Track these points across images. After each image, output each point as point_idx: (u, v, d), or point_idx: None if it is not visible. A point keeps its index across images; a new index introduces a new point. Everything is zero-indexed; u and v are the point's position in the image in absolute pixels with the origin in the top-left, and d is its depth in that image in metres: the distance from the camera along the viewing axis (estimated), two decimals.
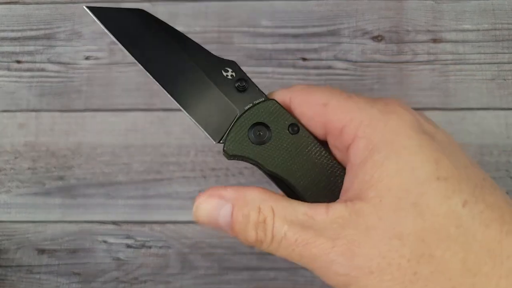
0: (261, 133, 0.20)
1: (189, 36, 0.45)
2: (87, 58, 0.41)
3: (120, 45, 0.22)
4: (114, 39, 0.22)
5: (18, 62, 0.41)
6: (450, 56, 0.40)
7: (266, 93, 0.21)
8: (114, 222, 0.37)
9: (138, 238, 0.37)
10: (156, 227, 0.37)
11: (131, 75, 0.40)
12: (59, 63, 0.41)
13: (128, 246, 0.37)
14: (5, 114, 0.40)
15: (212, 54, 0.23)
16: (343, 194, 0.18)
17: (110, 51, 0.41)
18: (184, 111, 0.22)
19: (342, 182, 0.19)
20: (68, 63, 0.40)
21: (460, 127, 0.38)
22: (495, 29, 0.40)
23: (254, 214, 0.17)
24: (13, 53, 0.41)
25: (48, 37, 0.41)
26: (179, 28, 0.44)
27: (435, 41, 0.40)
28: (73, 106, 0.40)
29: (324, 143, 0.20)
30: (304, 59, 0.40)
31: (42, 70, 0.40)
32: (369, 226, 0.16)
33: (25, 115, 0.40)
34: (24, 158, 0.39)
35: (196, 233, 0.37)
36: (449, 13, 0.41)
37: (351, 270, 0.16)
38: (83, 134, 0.39)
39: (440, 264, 0.15)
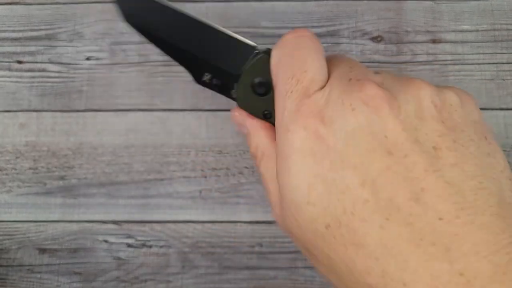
0: (262, 87, 0.23)
1: None
2: (88, 58, 0.41)
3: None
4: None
5: (19, 62, 0.41)
6: (449, 57, 0.40)
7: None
8: (115, 222, 0.37)
9: (139, 238, 0.37)
10: (157, 227, 0.37)
11: (132, 76, 0.40)
12: (60, 63, 0.41)
13: (129, 245, 0.37)
14: (6, 114, 0.40)
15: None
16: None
17: (111, 52, 0.41)
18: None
19: None
20: (69, 64, 0.41)
21: None
22: (494, 30, 0.40)
23: (253, 147, 0.23)
24: (14, 53, 0.41)
25: (49, 37, 0.41)
26: None
27: (434, 41, 0.40)
28: (74, 106, 0.40)
29: None
30: None
31: (43, 70, 0.41)
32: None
33: (26, 115, 0.40)
34: (25, 158, 0.39)
35: (196, 233, 0.37)
36: (448, 13, 0.41)
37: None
38: (84, 134, 0.39)
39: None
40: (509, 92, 0.39)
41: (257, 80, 0.22)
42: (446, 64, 0.40)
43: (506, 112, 0.39)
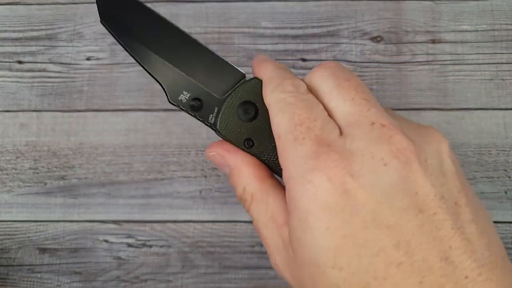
0: (250, 111, 0.21)
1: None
2: (88, 58, 0.41)
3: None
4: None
5: (20, 62, 0.41)
6: (448, 57, 0.40)
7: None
8: (115, 222, 0.37)
9: (139, 238, 0.37)
10: (157, 227, 0.37)
11: (132, 76, 0.40)
12: (61, 63, 0.41)
13: (129, 245, 0.37)
14: (6, 114, 0.40)
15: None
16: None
17: (111, 52, 0.41)
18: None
19: None
20: (70, 64, 0.41)
21: (459, 127, 0.38)
22: (494, 30, 0.41)
23: (240, 190, 0.21)
24: (14, 53, 0.41)
25: (49, 37, 0.41)
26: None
27: (433, 41, 0.40)
28: (75, 106, 0.40)
29: None
30: (303, 60, 0.40)
31: (44, 70, 0.41)
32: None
33: (26, 115, 0.40)
34: (25, 158, 0.39)
35: (196, 232, 0.37)
36: (447, 13, 0.41)
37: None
38: (84, 134, 0.39)
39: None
40: (509, 92, 0.39)
41: (244, 104, 0.21)
42: (445, 64, 0.40)
43: (506, 112, 0.39)
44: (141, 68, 0.43)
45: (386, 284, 0.16)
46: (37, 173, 0.38)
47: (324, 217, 0.17)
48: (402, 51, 0.40)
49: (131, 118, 0.39)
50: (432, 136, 0.19)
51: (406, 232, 0.16)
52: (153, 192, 0.38)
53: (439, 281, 0.15)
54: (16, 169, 0.39)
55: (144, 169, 0.38)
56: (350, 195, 0.17)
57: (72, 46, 0.41)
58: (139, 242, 0.37)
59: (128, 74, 0.40)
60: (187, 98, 0.22)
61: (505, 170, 0.38)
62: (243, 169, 0.20)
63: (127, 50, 0.22)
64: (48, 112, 0.40)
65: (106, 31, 0.42)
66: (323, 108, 0.20)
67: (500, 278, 0.16)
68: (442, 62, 0.40)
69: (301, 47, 0.40)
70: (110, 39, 0.41)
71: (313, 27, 0.41)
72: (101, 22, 0.21)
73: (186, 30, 0.42)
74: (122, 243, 0.37)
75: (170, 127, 0.39)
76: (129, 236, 0.37)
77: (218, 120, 0.21)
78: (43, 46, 0.41)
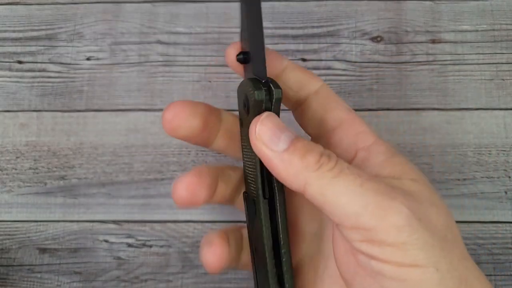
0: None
1: (190, 36, 0.46)
2: (88, 58, 0.41)
3: None
4: None
5: (20, 62, 0.41)
6: (448, 57, 0.40)
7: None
8: (115, 222, 0.37)
9: (139, 238, 0.37)
10: (157, 227, 0.37)
11: (132, 76, 0.40)
12: (61, 63, 0.41)
13: (129, 245, 0.37)
14: (6, 114, 0.40)
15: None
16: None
17: (111, 52, 0.41)
18: None
19: None
20: (70, 64, 0.41)
21: (459, 127, 0.39)
22: (494, 30, 0.41)
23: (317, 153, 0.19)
24: (14, 53, 0.41)
25: (49, 37, 0.41)
26: (180, 29, 0.45)
27: (433, 41, 0.40)
28: (74, 106, 0.40)
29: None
30: (304, 60, 0.40)
31: (44, 70, 0.41)
32: (417, 190, 0.20)
33: (26, 115, 0.40)
34: (25, 158, 0.39)
35: (196, 233, 0.37)
36: (447, 13, 0.41)
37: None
38: (84, 134, 0.39)
39: (456, 236, 0.19)
40: (509, 92, 0.39)
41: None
42: (445, 64, 0.40)
43: (506, 112, 0.39)
44: (141, 68, 0.43)
45: None
46: (37, 173, 0.38)
47: None
48: (402, 51, 0.40)
49: (131, 118, 0.39)
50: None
51: None
52: (153, 192, 0.38)
53: None
54: (16, 169, 0.39)
55: (144, 169, 0.38)
56: None
57: (72, 46, 0.41)
58: (139, 242, 0.37)
59: (128, 74, 0.40)
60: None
61: (505, 170, 0.38)
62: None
63: None
64: (48, 112, 0.40)
65: (106, 31, 0.42)
66: None
67: None
68: (442, 62, 0.40)
69: (301, 47, 0.40)
70: (110, 39, 0.41)
71: (313, 27, 0.41)
72: None
73: (186, 30, 0.43)
74: (122, 243, 0.37)
75: None
76: (129, 236, 0.37)
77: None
78: (43, 46, 0.41)
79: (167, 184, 0.38)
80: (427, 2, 0.41)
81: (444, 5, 0.41)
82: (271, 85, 0.20)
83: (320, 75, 0.40)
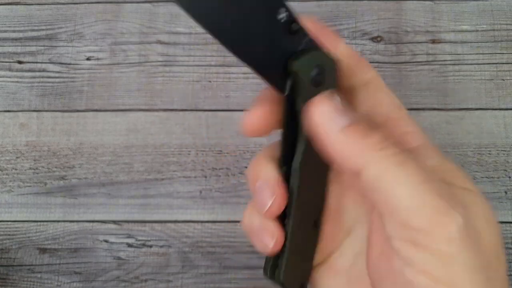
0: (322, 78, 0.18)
1: (190, 37, 0.46)
2: (88, 58, 0.41)
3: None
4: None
5: (20, 62, 0.41)
6: (448, 57, 0.40)
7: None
8: (115, 222, 0.37)
9: (139, 238, 0.37)
10: (157, 227, 0.37)
11: (132, 76, 0.40)
12: (61, 63, 0.41)
13: (129, 245, 0.37)
14: (6, 114, 0.40)
15: None
16: None
17: (111, 52, 0.41)
18: None
19: None
20: (70, 64, 0.41)
21: (459, 127, 0.38)
22: (494, 30, 0.41)
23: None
24: (14, 53, 0.41)
25: (49, 37, 0.41)
26: (180, 29, 0.45)
27: (434, 41, 0.40)
28: (75, 106, 0.40)
29: None
30: None
31: (44, 70, 0.41)
32: (473, 203, 0.18)
33: (26, 115, 0.40)
34: (25, 158, 0.39)
35: (196, 233, 0.37)
36: (447, 13, 0.41)
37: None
38: (84, 134, 0.39)
39: (501, 265, 0.18)
40: (509, 92, 0.39)
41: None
42: (445, 64, 0.40)
43: (506, 112, 0.39)
44: (141, 68, 0.43)
45: None
46: (37, 173, 0.38)
47: None
48: (402, 51, 0.40)
49: (131, 118, 0.39)
50: None
51: None
52: (153, 192, 0.38)
53: None
54: (16, 169, 0.39)
55: (144, 169, 0.38)
56: None
57: (72, 46, 0.41)
58: (139, 242, 0.37)
59: (128, 74, 0.40)
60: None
61: (505, 170, 0.38)
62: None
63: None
64: (48, 112, 0.40)
65: (106, 31, 0.42)
66: None
67: None
68: (442, 62, 0.40)
69: None
70: (110, 39, 0.41)
71: None
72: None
73: (187, 30, 0.43)
74: (122, 243, 0.37)
75: (170, 127, 0.39)
76: (129, 236, 0.37)
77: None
78: (43, 46, 0.41)
79: (167, 184, 0.38)
80: (427, 2, 0.41)
81: (444, 5, 0.41)
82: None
83: None
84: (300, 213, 0.20)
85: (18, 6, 0.42)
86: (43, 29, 0.42)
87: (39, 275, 0.37)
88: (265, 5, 0.17)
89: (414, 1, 0.41)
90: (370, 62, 0.41)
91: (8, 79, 0.40)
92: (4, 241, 0.37)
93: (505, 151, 0.38)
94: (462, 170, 0.19)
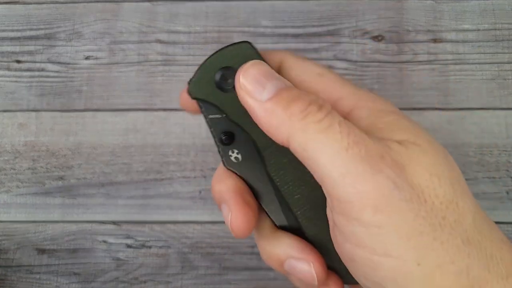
0: (229, 80, 0.18)
1: (190, 36, 0.45)
2: (87, 58, 0.41)
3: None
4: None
5: (18, 62, 0.41)
6: (450, 56, 0.40)
7: None
8: (114, 222, 0.37)
9: (138, 238, 0.37)
10: (156, 227, 0.37)
11: (131, 75, 0.40)
12: (59, 63, 0.41)
13: (128, 246, 0.37)
14: (5, 114, 0.40)
15: None
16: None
17: (110, 51, 0.41)
18: None
19: None
20: (68, 63, 0.41)
21: (460, 127, 0.38)
22: (495, 29, 0.40)
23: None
24: (13, 53, 0.41)
25: (48, 37, 0.41)
26: (179, 28, 0.45)
27: (435, 41, 0.40)
28: (73, 106, 0.40)
29: None
30: None
31: (42, 70, 0.40)
32: (413, 158, 0.16)
33: (25, 115, 0.40)
34: (24, 158, 0.39)
35: (196, 233, 0.37)
36: (449, 13, 0.41)
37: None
38: (83, 134, 0.39)
39: (461, 215, 0.16)
40: (510, 92, 0.39)
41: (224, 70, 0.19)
42: (447, 64, 0.40)
43: (507, 112, 0.38)
44: (140, 67, 0.43)
45: None
46: (36, 173, 0.38)
47: None
48: (404, 51, 0.40)
49: (130, 118, 0.39)
50: None
51: None
52: (152, 192, 0.38)
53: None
54: (14, 169, 0.38)
55: (143, 169, 0.38)
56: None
57: (71, 46, 0.41)
58: (138, 243, 0.37)
59: (127, 74, 0.40)
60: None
61: (506, 170, 0.37)
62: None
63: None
64: (47, 112, 0.39)
65: (105, 30, 0.42)
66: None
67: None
68: (444, 62, 0.40)
69: (301, 46, 0.40)
70: (109, 38, 0.41)
71: (314, 26, 0.41)
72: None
73: (186, 29, 0.42)
74: (121, 243, 0.37)
75: (169, 127, 0.39)
76: (128, 237, 0.37)
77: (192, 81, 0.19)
78: (42, 45, 0.41)
79: (167, 185, 0.38)
80: (429, 1, 0.41)
81: (446, 4, 0.41)
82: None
83: None
84: (297, 199, 0.19)
85: (17, 5, 0.42)
86: (41, 29, 0.41)
87: (37, 276, 0.37)
88: None
89: (416, 0, 0.41)
90: (371, 62, 0.41)
91: (7, 79, 0.40)
92: (3, 242, 0.37)
93: (506, 151, 0.38)
94: (405, 117, 0.18)
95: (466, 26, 0.40)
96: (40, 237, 0.37)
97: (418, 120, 0.39)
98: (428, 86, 0.39)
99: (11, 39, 0.41)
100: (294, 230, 0.19)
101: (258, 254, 0.37)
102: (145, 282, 0.36)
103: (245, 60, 0.17)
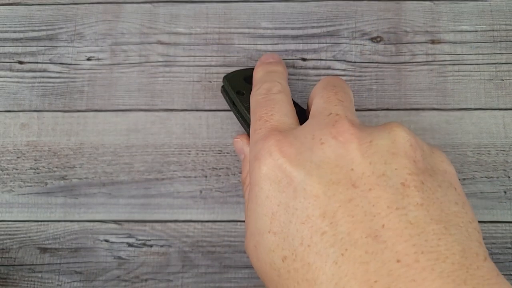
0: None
1: (190, 37, 0.46)
2: (89, 59, 0.41)
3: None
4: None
5: (20, 62, 0.41)
6: (448, 57, 0.40)
7: None
8: (116, 221, 0.38)
9: (139, 237, 0.37)
10: (157, 226, 0.37)
11: (133, 76, 0.40)
12: (61, 63, 0.41)
13: (129, 245, 0.37)
14: (7, 114, 0.40)
15: None
16: None
17: (111, 52, 0.41)
18: None
19: None
20: (70, 64, 0.41)
21: (458, 127, 0.39)
22: (493, 30, 0.41)
23: (244, 173, 0.27)
24: (15, 53, 0.41)
25: (50, 38, 0.41)
26: (180, 29, 0.45)
27: (433, 42, 0.41)
28: (75, 106, 0.40)
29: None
30: (303, 59, 0.40)
31: (44, 70, 0.41)
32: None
33: (27, 115, 0.40)
34: (26, 158, 0.39)
35: (197, 232, 0.37)
36: (447, 14, 0.41)
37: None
38: (85, 134, 0.39)
39: None
40: (508, 92, 0.39)
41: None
42: (445, 65, 0.40)
43: (505, 112, 0.39)
44: (141, 68, 0.43)
45: (310, 251, 0.16)
46: (38, 173, 0.39)
47: (265, 187, 0.19)
48: (402, 52, 0.40)
49: (131, 118, 0.40)
50: (391, 124, 0.20)
51: (333, 203, 0.17)
52: (154, 192, 0.38)
53: (362, 257, 0.15)
54: (17, 169, 0.39)
55: (145, 169, 0.38)
56: (286, 168, 0.18)
57: (73, 47, 0.41)
58: (139, 242, 0.37)
59: (129, 74, 0.40)
60: None
61: (504, 170, 0.38)
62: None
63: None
64: (49, 112, 0.40)
65: (106, 31, 0.43)
66: (292, 104, 0.24)
67: (447, 270, 0.14)
68: (442, 63, 0.40)
69: (301, 47, 0.41)
70: (111, 39, 0.42)
71: (313, 27, 0.41)
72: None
73: (187, 30, 0.43)
74: (122, 242, 0.37)
75: (170, 127, 0.39)
76: (130, 236, 0.37)
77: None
78: (44, 46, 0.41)
79: (168, 184, 0.38)
80: (427, 3, 0.41)
81: (444, 5, 0.41)
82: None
83: (319, 75, 0.40)
84: None
85: (19, 6, 0.42)
86: (43, 30, 0.42)
87: (39, 275, 0.37)
88: None
89: (414, 2, 0.41)
90: (370, 62, 0.42)
91: (9, 79, 0.41)
92: (5, 241, 0.37)
93: (504, 151, 0.38)
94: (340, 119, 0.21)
95: (464, 27, 0.41)
96: (42, 236, 0.37)
97: (417, 121, 0.39)
98: (426, 87, 0.40)
99: (14, 40, 0.41)
100: None
101: None
102: (146, 280, 0.36)
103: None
